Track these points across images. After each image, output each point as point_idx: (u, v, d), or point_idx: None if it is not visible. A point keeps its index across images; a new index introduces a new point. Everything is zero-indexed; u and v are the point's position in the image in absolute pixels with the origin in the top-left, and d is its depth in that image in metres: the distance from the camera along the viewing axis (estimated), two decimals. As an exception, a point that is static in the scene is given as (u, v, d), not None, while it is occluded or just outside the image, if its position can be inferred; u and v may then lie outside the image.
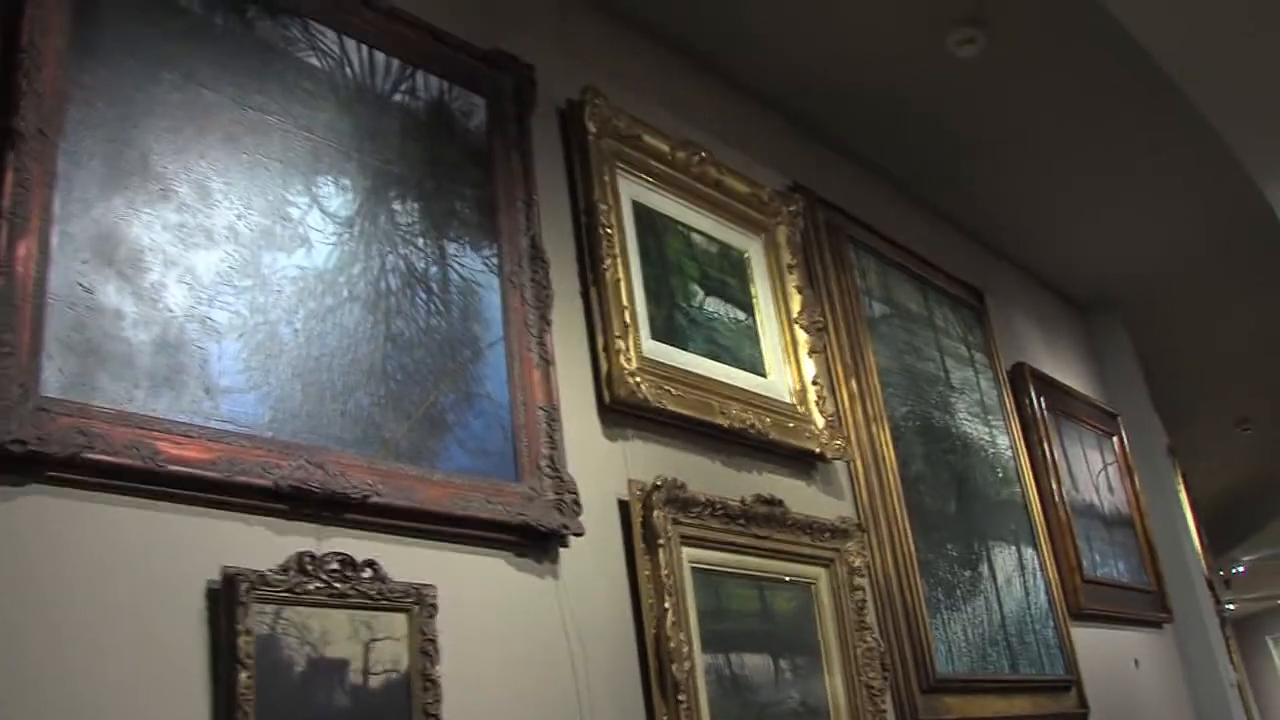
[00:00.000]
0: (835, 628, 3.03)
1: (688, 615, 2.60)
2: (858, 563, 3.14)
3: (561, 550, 2.46)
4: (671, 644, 2.48)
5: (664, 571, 2.55)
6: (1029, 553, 4.20)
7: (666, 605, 2.52)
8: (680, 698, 2.46)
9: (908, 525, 3.46)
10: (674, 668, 2.46)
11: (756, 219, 3.47)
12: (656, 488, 2.62)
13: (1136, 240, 5.42)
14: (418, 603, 2.11)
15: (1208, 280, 5.84)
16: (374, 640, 2.04)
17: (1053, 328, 5.52)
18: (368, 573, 2.05)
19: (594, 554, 2.54)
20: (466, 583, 2.24)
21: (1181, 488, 6.33)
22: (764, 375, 3.24)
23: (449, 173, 2.63)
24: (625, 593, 2.57)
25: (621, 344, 2.74)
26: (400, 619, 2.09)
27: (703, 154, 3.31)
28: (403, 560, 2.12)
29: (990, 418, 4.35)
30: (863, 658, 3.03)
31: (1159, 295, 5.95)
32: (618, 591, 2.56)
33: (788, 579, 2.98)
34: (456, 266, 2.54)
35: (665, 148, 3.22)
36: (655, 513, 2.59)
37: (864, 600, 3.10)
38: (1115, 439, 5.46)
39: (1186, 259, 5.60)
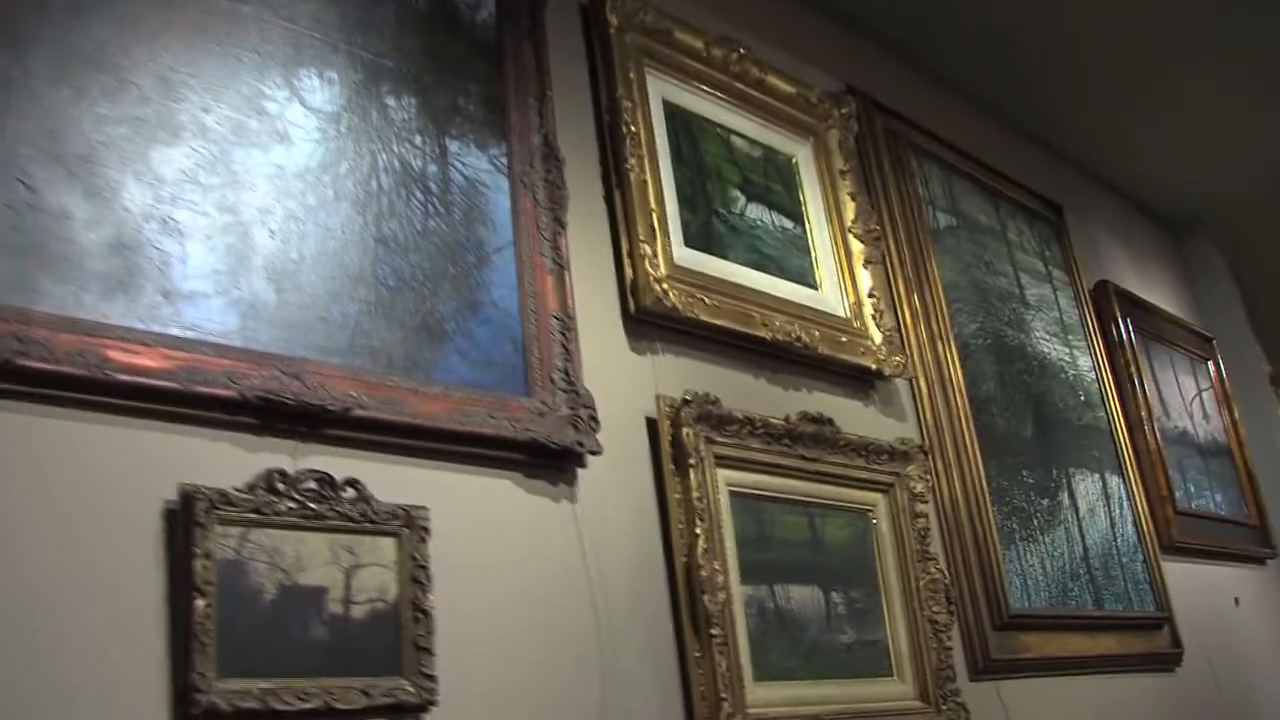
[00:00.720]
0: (895, 558, 2.78)
1: (723, 542, 2.37)
2: (920, 488, 2.88)
3: (579, 472, 2.24)
4: (704, 573, 2.25)
5: (695, 494, 2.32)
6: (1115, 481, 3.89)
7: (698, 531, 2.29)
8: (714, 632, 2.23)
9: (977, 449, 3.19)
10: (706, 599, 2.23)
11: (805, 122, 3.21)
12: (686, 403, 2.38)
13: (1233, 154, 5.04)
14: (408, 526, 1.91)
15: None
16: (357, 566, 1.84)
17: (1140, 247, 5.17)
18: (349, 493, 1.86)
19: (618, 476, 2.31)
20: (467, 505, 2.03)
21: (1286, 420, 5.93)
22: (815, 288, 2.98)
23: (451, 67, 2.41)
24: (654, 518, 2.35)
25: (648, 249, 2.50)
26: (388, 543, 1.89)
27: (741, 50, 3.05)
28: (392, 480, 1.92)
29: (1071, 338, 4.04)
30: (926, 591, 2.77)
31: (1257, 215, 5.56)
32: (645, 517, 2.33)
33: (841, 505, 2.72)
34: (459, 166, 2.32)
35: (699, 44, 2.96)
36: (685, 430, 2.35)
37: (927, 529, 2.84)
38: (1210, 364, 5.11)
39: (1284, 169, 5.21)
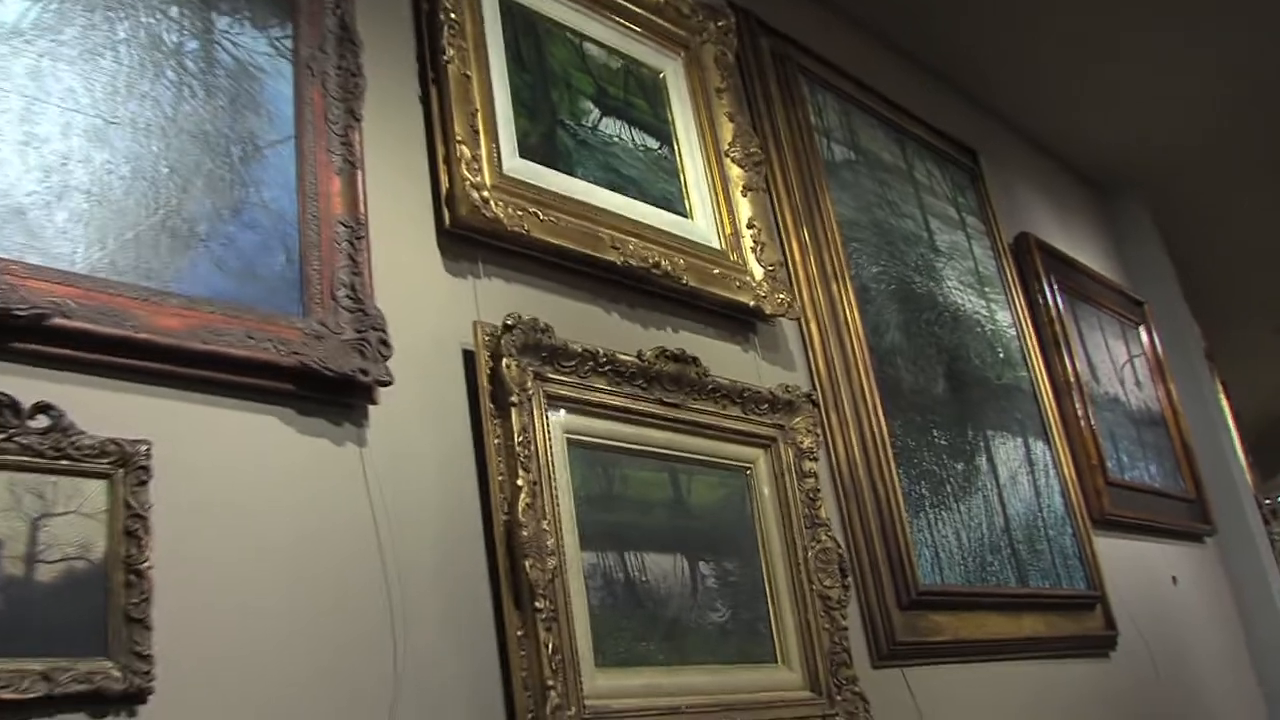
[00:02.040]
0: (779, 524, 2.37)
1: (556, 498, 1.94)
2: (808, 443, 2.46)
3: (371, 410, 1.81)
4: (526, 532, 1.82)
5: (518, 439, 1.89)
6: (1039, 447, 3.51)
7: (520, 483, 1.86)
8: (539, 605, 1.79)
9: (878, 402, 2.78)
10: (529, 565, 1.80)
11: (675, 34, 2.80)
12: (508, 329, 1.95)
13: (1166, 113, 4.72)
14: (121, 465, 1.49)
15: (1244, 157, 5.11)
16: (48, 515, 1.42)
17: (1065, 203, 4.81)
18: (40, 420, 1.45)
19: (425, 416, 1.90)
20: (209, 443, 1.61)
21: (1222, 395, 5.60)
22: (685, 215, 2.57)
23: None
24: (470, 468, 1.92)
25: (466, 152, 2.08)
26: (95, 487, 1.49)
27: (596, -56, 2.62)
28: (105, 409, 1.51)
29: (988, 290, 3.65)
30: (816, 562, 2.36)
31: (1192, 179, 5.23)
32: (459, 466, 1.91)
33: (712, 460, 2.30)
34: (228, 45, 1.90)
35: (546, -65, 2.54)
36: (506, 362, 1.92)
37: (817, 490, 2.43)
38: (1142, 329, 4.76)
39: (1220, 131, 4.88)
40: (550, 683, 1.76)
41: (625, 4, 2.70)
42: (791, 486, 2.40)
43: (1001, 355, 3.54)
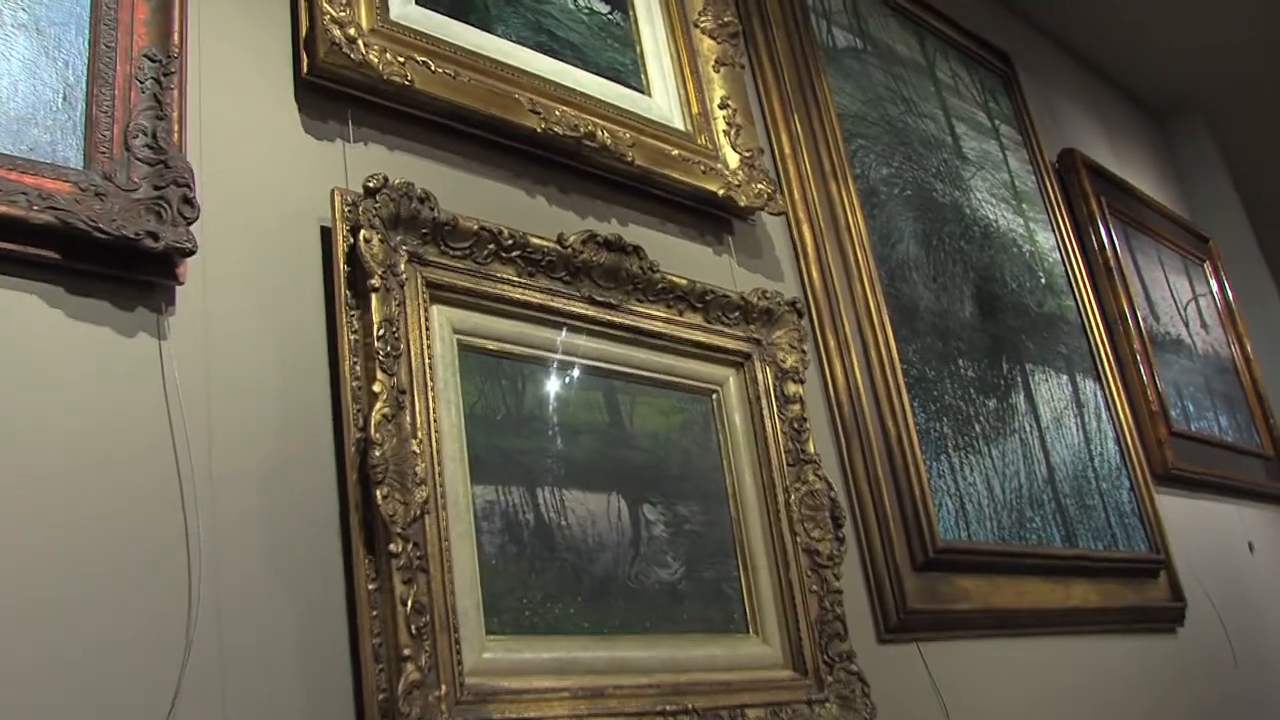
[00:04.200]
0: (752, 459, 1.89)
1: (434, 414, 1.47)
2: (792, 362, 1.99)
3: (179, 292, 1.36)
4: (379, 453, 1.35)
5: (377, 333, 1.42)
6: (1089, 386, 3.00)
7: (377, 389, 1.39)
8: (395, 549, 1.33)
9: (886, 321, 2.30)
10: (380, 495, 1.33)
11: (633, -116, 2.31)
12: (370, 193, 1.49)
13: (1226, 18, 4.17)
14: None
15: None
16: None
17: (1115, 125, 4.27)
18: None
19: (261, 306, 1.45)
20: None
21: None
22: (641, 90, 2.10)
23: None
24: (323, 375, 1.45)
25: (332, -18, 1.61)
26: None
27: None
28: None
29: (1026, 207, 3.15)
30: (801, 508, 1.88)
31: (1257, 96, 4.68)
32: (305, 371, 1.46)
33: (664, 379, 1.83)
34: None
35: None
36: (366, 235, 1.46)
37: (804, 420, 1.95)
38: (1207, 266, 4.22)
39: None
40: (407, 652, 1.30)
41: None
42: (770, 414, 1.93)
43: (1043, 280, 3.04)
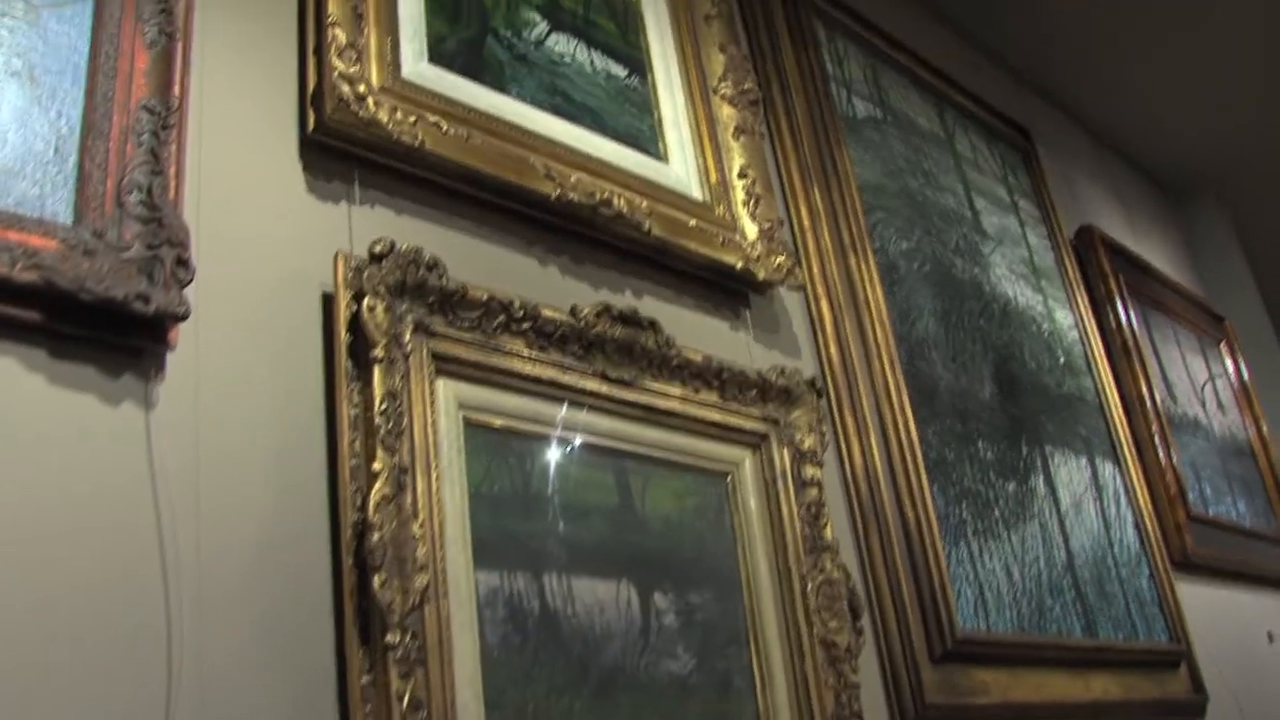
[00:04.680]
0: (769, 545, 1.80)
1: (438, 494, 1.39)
2: (810, 443, 1.90)
3: (170, 359, 1.27)
4: (378, 536, 1.26)
5: (379, 407, 1.34)
6: (1108, 469, 2.91)
7: (378, 467, 1.31)
8: (392, 639, 1.23)
9: (906, 402, 2.22)
10: (378, 582, 1.24)
11: (654, -53, 2.26)
12: (376, 259, 1.41)
13: (1247, 109, 4.12)
14: None
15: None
16: None
17: (1131, 202, 4.22)
18: None
19: (257, 374, 1.37)
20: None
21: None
22: (659, 157, 2.03)
23: None
24: (321, 450, 1.37)
25: (341, 36, 1.56)
26: None
27: None
28: None
29: (1045, 284, 3.08)
30: (819, 598, 1.79)
31: (1271, 177, 4.62)
32: (302, 446, 1.37)
33: (678, 461, 1.74)
34: None
35: None
36: (370, 303, 1.38)
37: (822, 505, 1.86)
38: (1224, 346, 4.14)
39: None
40: (402, 753, 1.20)
41: (590, -94, 2.17)
42: (787, 498, 1.84)
43: (1062, 360, 2.96)
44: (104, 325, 1.24)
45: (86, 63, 1.37)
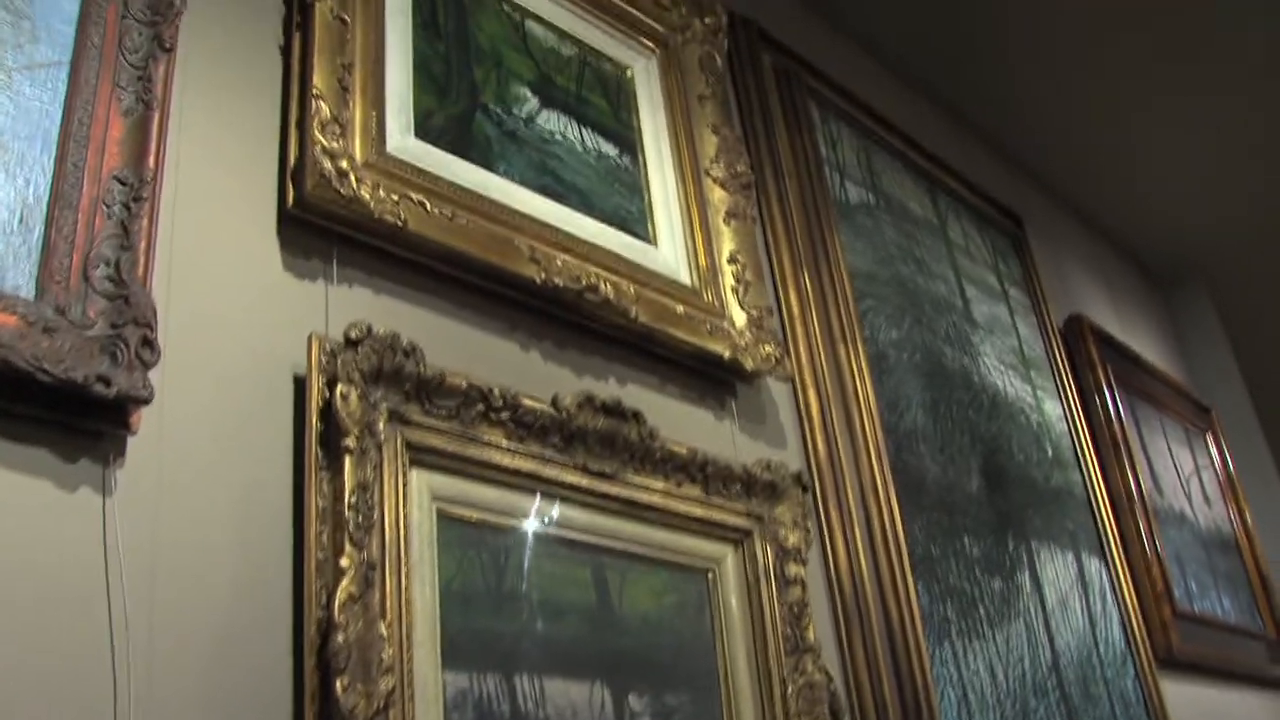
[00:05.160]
0: (749, 646, 1.74)
1: (407, 592, 1.32)
2: (795, 540, 1.85)
3: (131, 443, 1.21)
4: (342, 637, 1.20)
5: (349, 500, 1.28)
6: (1094, 565, 2.86)
7: (345, 563, 1.25)
8: (353, 750, 1.17)
9: (893, 496, 2.17)
10: (340, 686, 1.18)
11: (649, 26, 2.25)
12: (351, 344, 1.35)
13: (1235, 200, 4.13)
14: None
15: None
16: None
17: (1119, 289, 4.19)
18: None
19: (221, 462, 1.31)
20: None
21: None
22: (647, 240, 1.99)
23: None
24: (286, 543, 1.31)
25: (325, 110, 1.52)
26: None
27: (550, -96, 2.09)
28: None
29: (1034, 374, 3.04)
30: (800, 700, 1.73)
31: (1262, 273, 4.61)
32: (267, 539, 1.31)
33: (658, 557, 1.68)
34: None
35: (484, -116, 2.00)
36: (343, 390, 1.32)
37: (805, 605, 1.81)
38: (1209, 437, 4.11)
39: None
40: None
41: (586, -19, 2.15)
42: (769, 597, 1.78)
43: (1050, 453, 2.91)
44: (62, 407, 1.18)
45: (58, 129, 1.32)
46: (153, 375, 1.21)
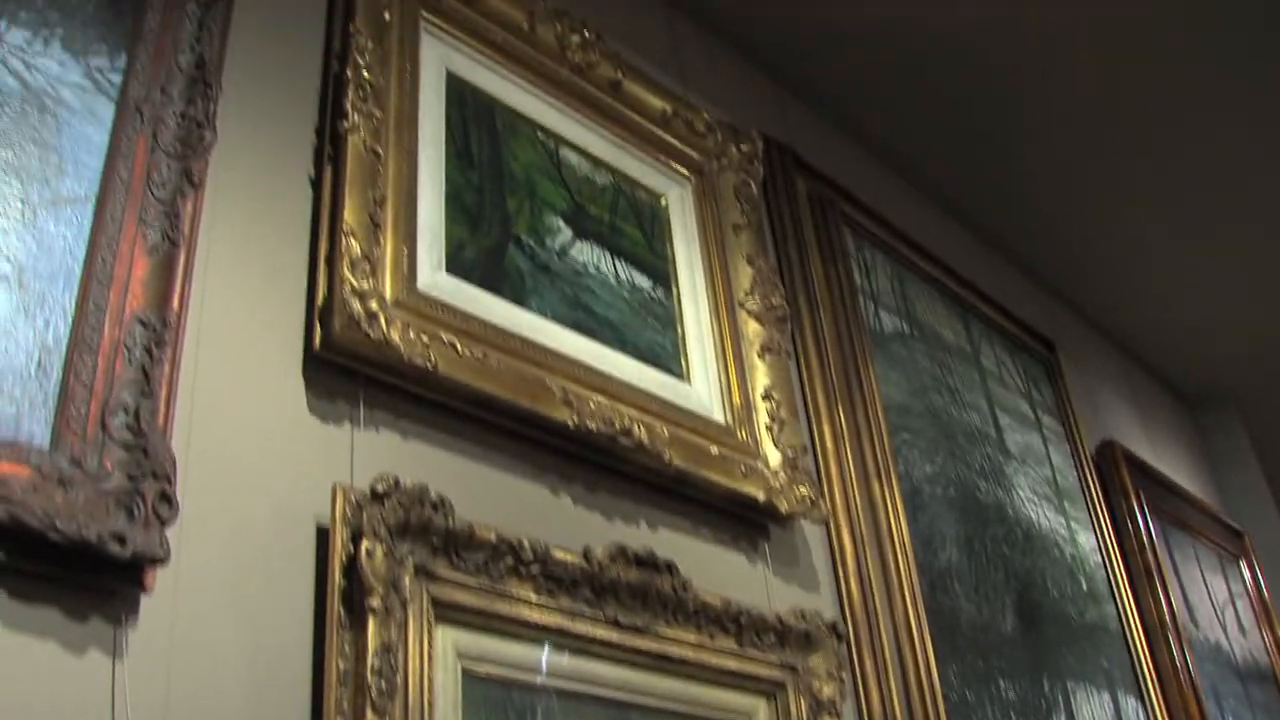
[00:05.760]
0: (782, 806, 1.65)
1: (430, 763, 1.25)
2: (829, 692, 1.77)
3: (144, 602, 1.16)
4: (361, 820, 1.13)
5: (372, 664, 1.22)
6: (1130, 703, 2.77)
7: (367, 735, 1.17)
8: None
9: (928, 641, 2.09)
10: None
11: (684, 153, 2.22)
12: (378, 497, 1.30)
13: (1260, 313, 4.07)
14: None
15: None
16: None
17: (1150, 412, 4.13)
18: None
19: (238, 621, 1.25)
20: None
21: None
22: (680, 376, 1.94)
23: None
24: (304, 707, 1.24)
25: (356, 247, 1.47)
26: None
27: (585, 34, 2.07)
28: None
29: (1068, 504, 2.96)
30: None
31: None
32: (286, 703, 1.24)
33: (692, 713, 1.61)
34: (15, 65, 1.35)
35: (519, 15, 1.99)
36: (369, 546, 1.26)
37: (841, 759, 1.72)
38: (1243, 564, 4.01)
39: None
40: None
41: (620, 108, 2.13)
42: (803, 753, 1.70)
43: (1084, 587, 2.83)
44: (74, 565, 1.13)
45: (81, 268, 1.29)
46: (169, 533, 1.15)
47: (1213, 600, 3.62)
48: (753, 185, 2.28)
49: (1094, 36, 2.78)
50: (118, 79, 1.42)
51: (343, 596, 1.27)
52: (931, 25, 2.68)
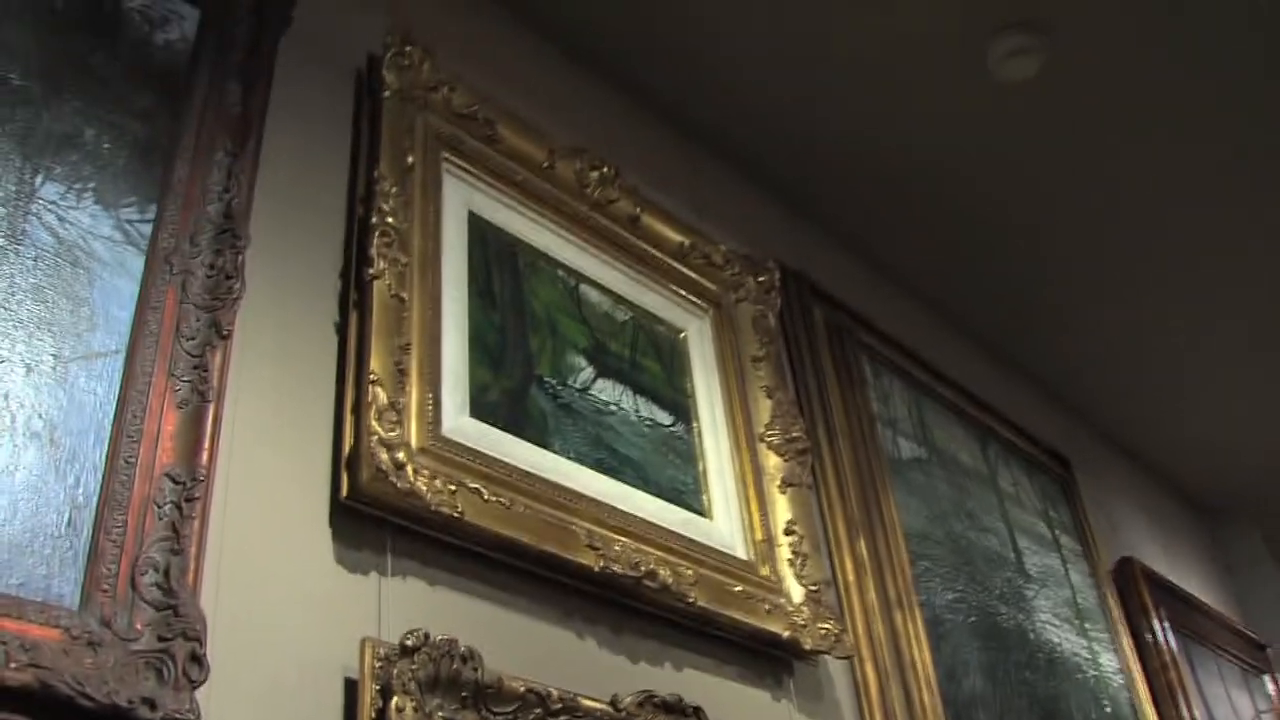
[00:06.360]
0: None
1: None
2: (859, 835, 1.74)
3: (169, 772, 1.14)
4: None
5: (400, 831, 1.20)
6: (1160, 837, 2.71)
7: None
8: None
9: (955, 775, 2.05)
10: None
11: (702, 286, 2.25)
12: (408, 652, 1.29)
13: (1275, 426, 4.07)
14: None
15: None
16: None
17: (1168, 527, 4.11)
18: None
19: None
20: None
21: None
22: (702, 513, 1.94)
23: (87, 85, 1.53)
24: None
25: (382, 396, 1.48)
26: None
27: (604, 170, 2.10)
28: None
29: (1089, 625, 2.94)
30: None
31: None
32: None
33: None
34: (49, 218, 1.38)
35: (539, 153, 2.02)
36: (399, 703, 1.26)
37: None
38: (1267, 679, 3.96)
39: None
40: None
41: (639, 243, 2.16)
42: None
43: (1108, 709, 2.80)
44: (107, 735, 1.12)
45: (111, 423, 1.30)
46: (199, 694, 1.14)
47: (1238, 717, 3.57)
48: (770, 316, 2.30)
49: (1108, 165, 2.81)
50: (147, 229, 1.45)
51: (371, 756, 1.25)
52: (943, 153, 2.71)
